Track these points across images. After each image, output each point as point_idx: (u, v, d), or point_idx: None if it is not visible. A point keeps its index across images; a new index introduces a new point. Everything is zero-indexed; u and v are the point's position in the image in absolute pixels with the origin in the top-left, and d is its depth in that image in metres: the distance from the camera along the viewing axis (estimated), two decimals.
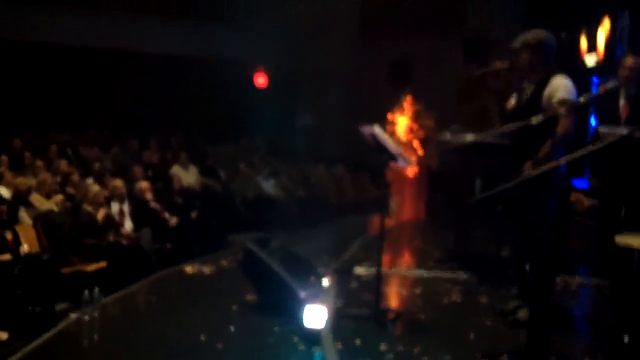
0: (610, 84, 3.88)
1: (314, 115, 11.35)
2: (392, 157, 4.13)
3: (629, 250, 4.13)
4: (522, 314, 4.03)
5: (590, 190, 5.98)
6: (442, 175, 7.82)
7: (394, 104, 8.59)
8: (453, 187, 7.55)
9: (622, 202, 5.11)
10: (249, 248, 4.93)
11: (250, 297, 4.67)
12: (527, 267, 3.18)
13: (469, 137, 5.29)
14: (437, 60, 11.02)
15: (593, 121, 5.44)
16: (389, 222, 8.01)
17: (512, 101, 4.19)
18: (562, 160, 2.57)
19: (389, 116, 8.27)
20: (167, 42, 11.07)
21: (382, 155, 4.20)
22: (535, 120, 3.66)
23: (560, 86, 3.85)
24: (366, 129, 4.32)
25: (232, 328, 4.07)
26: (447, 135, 5.59)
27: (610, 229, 4.91)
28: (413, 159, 7.17)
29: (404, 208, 8.03)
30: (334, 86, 11.59)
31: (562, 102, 3.78)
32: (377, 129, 4.16)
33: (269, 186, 9.25)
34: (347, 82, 11.98)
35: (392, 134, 8.09)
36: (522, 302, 4.10)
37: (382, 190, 6.23)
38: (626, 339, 3.68)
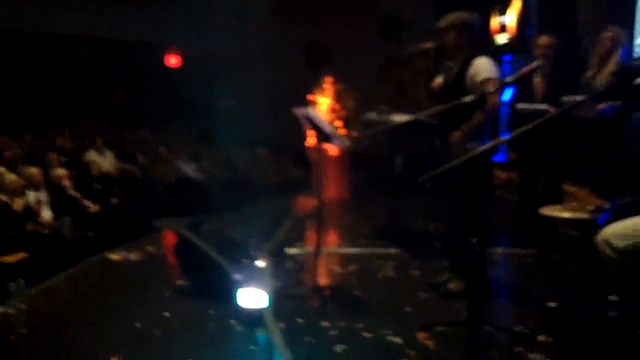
0: (535, 63, 4.04)
1: (234, 98, 11.23)
2: (327, 138, 4.15)
3: (551, 220, 4.36)
4: (453, 285, 4.17)
5: (507, 164, 6.23)
6: (365, 154, 7.93)
7: (313, 84, 8.62)
8: (378, 165, 7.70)
9: (540, 175, 5.38)
10: (180, 233, 4.85)
11: (182, 282, 4.60)
12: (473, 240, 3.28)
13: (398, 117, 5.38)
14: (352, 40, 11.10)
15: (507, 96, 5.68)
16: (314, 201, 8.07)
17: (439, 80, 4.31)
18: (505, 137, 2.67)
19: (310, 97, 8.29)
20: (77, 23, 10.59)
21: (317, 135, 4.20)
22: (467, 99, 3.77)
23: (482, 66, 3.99)
24: (300, 111, 4.32)
25: (167, 314, 4.00)
26: (374, 115, 5.66)
27: (530, 201, 5.16)
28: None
29: (329, 187, 8.07)
30: (251, 68, 11.49)
31: (488, 81, 3.92)
32: (311, 111, 4.16)
33: (190, 170, 9.11)
34: (264, 63, 11.91)
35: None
36: (453, 274, 4.24)
37: (315, 171, 6.27)
38: (553, 304, 3.88)
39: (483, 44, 5.78)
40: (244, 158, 10.08)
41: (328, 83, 8.44)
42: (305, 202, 8.04)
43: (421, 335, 3.52)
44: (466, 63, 4.06)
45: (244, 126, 9.83)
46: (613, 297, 3.86)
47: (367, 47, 10.85)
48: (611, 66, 4.85)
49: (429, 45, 4.14)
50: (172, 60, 11.77)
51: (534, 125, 2.73)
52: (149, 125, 10.76)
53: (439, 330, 3.57)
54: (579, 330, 3.57)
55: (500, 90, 3.90)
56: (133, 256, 5.61)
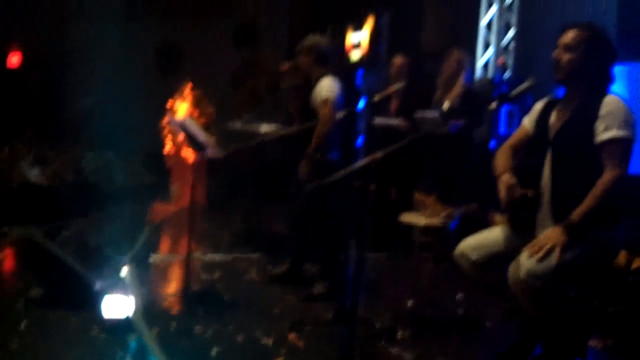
0: (397, 85, 4.42)
1: (85, 100, 10.79)
2: (202, 148, 4.21)
3: (406, 226, 4.74)
4: (319, 288, 4.42)
5: (364, 172, 6.62)
6: (223, 161, 7.97)
7: (170, 89, 8.53)
8: (238, 171, 7.78)
9: (392, 184, 5.80)
10: (33, 241, 4.65)
11: (39, 292, 4.40)
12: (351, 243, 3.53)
13: (265, 127, 5.55)
14: (208, 46, 11.10)
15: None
16: (171, 208, 8.00)
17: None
18: (379, 154, 2.93)
19: (169, 103, 8.21)
20: None
21: (191, 145, 4.25)
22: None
23: (324, 86, 4.34)
24: (175, 120, 4.40)
25: (22, 326, 3.82)
26: (239, 125, 5.78)
27: (383, 208, 5.56)
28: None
29: (185, 194, 8.04)
30: (102, 68, 11.12)
31: (325, 101, 4.28)
32: (187, 120, 4.22)
33: (34, 174, 8.63)
34: (115, 64, 11.56)
35: (171, 118, 8.06)
36: (319, 278, 4.49)
37: (173, 176, 6.24)
38: (409, 303, 4.24)
39: (337, 64, 6.18)
40: (94, 162, 9.72)
41: (185, 88, 8.39)
42: (163, 208, 7.95)
43: (291, 336, 3.71)
44: (316, 84, 4.37)
45: (96, 129, 9.50)
46: (459, 295, 4.29)
47: (222, 53, 10.90)
48: (457, 87, 5.35)
49: (284, 66, 4.44)
50: (14, 60, 11.07)
51: (402, 144, 3.04)
52: None
53: (308, 330, 3.77)
54: (433, 325, 3.96)
55: (334, 109, 4.26)
56: None
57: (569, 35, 2.94)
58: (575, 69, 2.92)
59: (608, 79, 2.95)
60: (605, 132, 2.78)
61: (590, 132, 2.82)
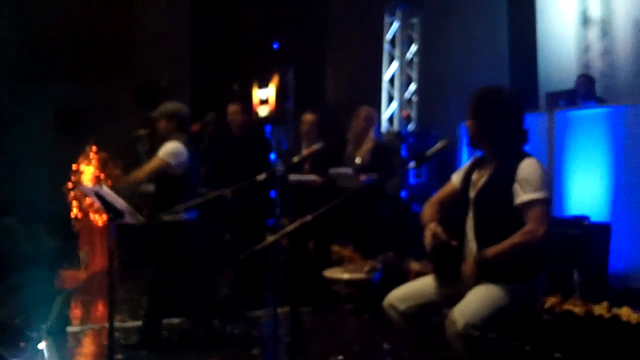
0: (316, 146, 4.56)
1: None
2: (119, 215, 4.14)
3: (326, 280, 4.81)
4: None
5: (279, 227, 6.68)
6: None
7: (74, 151, 8.34)
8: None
9: (309, 238, 5.89)
10: None
11: None
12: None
13: None
14: (109, 106, 10.95)
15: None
16: (82, 274, 7.73)
17: None
18: (309, 217, 3.03)
19: (74, 166, 8.03)
20: None
21: (108, 213, 4.17)
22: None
23: (163, 148, 4.50)
24: (89, 188, 4.33)
25: None
26: (152, 187, 5.72)
27: (300, 262, 5.64)
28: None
29: (96, 258, 7.82)
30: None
31: (162, 162, 4.45)
32: (103, 187, 4.14)
33: None
34: (9, 125, 11.15)
35: (78, 183, 7.87)
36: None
37: (81, 242, 6.06)
38: (340, 357, 4.30)
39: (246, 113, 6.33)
40: None
41: (90, 151, 8.23)
42: (71, 275, 7.66)
43: None
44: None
45: None
46: (386, 345, 4.40)
47: (124, 113, 10.77)
48: (368, 143, 5.57)
49: (142, 132, 4.52)
50: None
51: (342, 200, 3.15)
52: None
53: None
54: None
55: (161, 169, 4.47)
56: None
57: (471, 103, 3.11)
58: (478, 134, 3.10)
59: (519, 137, 3.11)
60: (524, 195, 2.94)
61: (509, 194, 2.98)
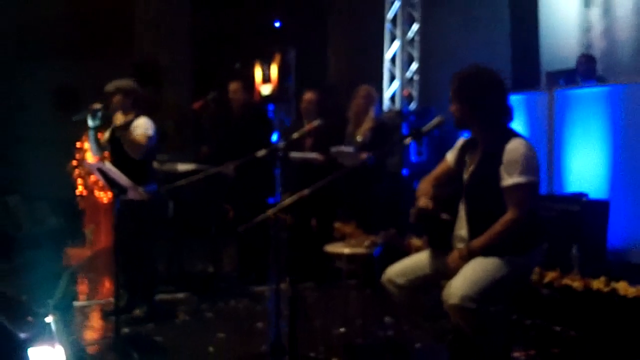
0: (316, 122, 4.59)
1: None
2: (123, 190, 4.21)
3: (329, 255, 4.89)
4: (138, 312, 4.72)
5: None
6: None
7: (75, 130, 8.38)
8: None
9: (312, 215, 5.95)
10: None
11: None
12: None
13: (182, 166, 5.59)
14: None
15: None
16: (86, 251, 7.81)
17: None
18: (306, 191, 3.09)
19: (78, 143, 8.08)
20: None
21: (112, 189, 4.24)
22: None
23: (140, 124, 4.60)
24: (92, 165, 4.39)
25: None
26: (156, 165, 5.77)
27: (303, 239, 5.71)
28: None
29: (100, 236, 7.89)
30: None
31: (142, 134, 4.54)
32: (106, 164, 4.21)
33: None
34: (11, 104, 11.19)
35: (82, 160, 7.93)
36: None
37: (86, 220, 6.12)
38: (341, 330, 4.38)
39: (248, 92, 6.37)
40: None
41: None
42: (76, 253, 7.75)
43: None
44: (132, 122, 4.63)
45: None
46: (388, 319, 4.48)
47: None
48: (368, 122, 5.61)
49: (98, 105, 4.52)
50: None
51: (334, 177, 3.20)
52: None
53: None
54: (364, 350, 4.11)
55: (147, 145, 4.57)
56: None
57: (452, 86, 3.13)
58: (462, 117, 3.12)
59: (504, 115, 3.12)
60: (508, 178, 2.98)
61: (496, 177, 3.02)
